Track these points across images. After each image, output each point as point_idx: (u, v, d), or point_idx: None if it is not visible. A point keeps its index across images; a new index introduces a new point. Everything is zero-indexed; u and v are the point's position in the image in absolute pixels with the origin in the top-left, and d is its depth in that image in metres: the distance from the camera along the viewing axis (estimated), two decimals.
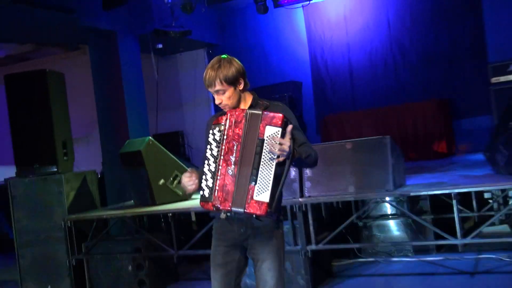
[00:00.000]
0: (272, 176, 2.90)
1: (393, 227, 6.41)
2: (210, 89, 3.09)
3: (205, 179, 3.08)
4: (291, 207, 5.56)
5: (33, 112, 6.78)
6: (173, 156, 6.79)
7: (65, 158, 6.94)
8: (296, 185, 5.62)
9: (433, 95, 9.13)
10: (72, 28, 8.01)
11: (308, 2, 9.05)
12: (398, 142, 6.57)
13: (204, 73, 3.09)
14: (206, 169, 3.09)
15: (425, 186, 5.40)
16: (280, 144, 2.82)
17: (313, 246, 5.51)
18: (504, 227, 6.35)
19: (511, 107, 5.33)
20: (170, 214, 6.09)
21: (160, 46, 9.56)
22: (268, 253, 3.10)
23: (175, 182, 6.62)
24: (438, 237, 5.36)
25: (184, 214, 6.26)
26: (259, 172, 2.91)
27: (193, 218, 7.83)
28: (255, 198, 2.89)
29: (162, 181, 6.50)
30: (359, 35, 9.93)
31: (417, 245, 6.21)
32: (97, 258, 6.45)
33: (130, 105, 8.45)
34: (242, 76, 3.11)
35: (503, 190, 6.16)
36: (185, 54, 11.20)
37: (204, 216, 6.72)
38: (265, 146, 2.91)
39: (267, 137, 2.90)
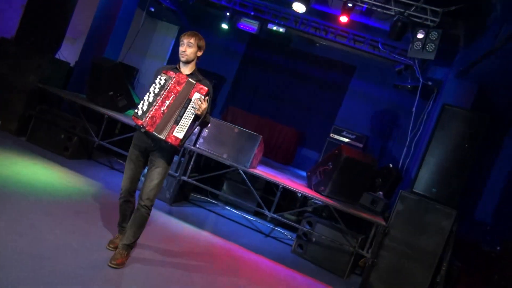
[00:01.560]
0: (189, 123, 3.11)
1: (238, 189, 6.55)
2: (186, 39, 3.21)
3: (142, 104, 3.15)
4: (185, 148, 5.49)
5: (48, 2, 6.12)
6: (127, 82, 6.45)
7: (54, 45, 6.34)
8: (194, 137, 5.57)
9: (294, 125, 9.37)
10: None
11: (255, 32, 8.92)
12: (265, 143, 6.72)
13: (189, 32, 3.25)
14: (145, 98, 3.17)
15: (266, 174, 5.55)
16: (200, 106, 3.06)
17: (185, 178, 5.48)
18: (296, 218, 6.68)
19: (333, 154, 5.60)
20: (106, 116, 5.77)
21: (152, 9, 8.99)
22: (162, 163, 3.25)
23: (119, 98, 6.28)
24: (259, 206, 5.53)
25: (113, 120, 5.93)
26: (182, 118, 3.09)
27: (118, 126, 7.49)
28: (174, 134, 3.07)
29: (111, 93, 6.14)
30: (270, 73, 10.00)
31: (244, 205, 6.39)
32: (43, 119, 5.95)
33: (114, 33, 7.87)
34: (203, 49, 3.29)
35: (306, 197, 6.50)
36: (164, 23, 10.63)
37: (125, 129, 6.45)
38: (191, 104, 3.08)
39: (194, 99, 3.08)
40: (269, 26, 8.66)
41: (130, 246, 3.33)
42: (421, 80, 7.16)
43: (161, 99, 3.11)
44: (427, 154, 5.10)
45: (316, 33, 8.21)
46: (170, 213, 5.18)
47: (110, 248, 3.44)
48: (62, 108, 6.52)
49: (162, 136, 3.06)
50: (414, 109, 7.21)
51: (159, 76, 3.16)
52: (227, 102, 10.04)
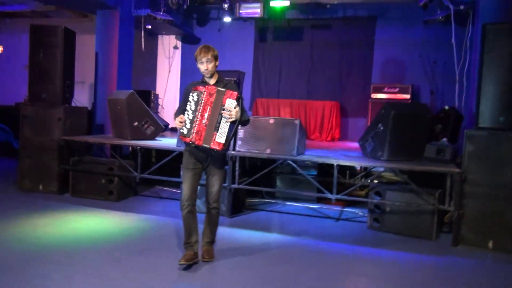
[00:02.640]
0: (227, 128, 3.52)
1: (292, 181, 6.60)
2: (203, 57, 3.59)
3: (185, 124, 3.59)
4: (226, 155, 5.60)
5: (48, 56, 6.43)
6: (147, 107, 6.66)
7: (67, 95, 6.65)
8: (231, 142, 5.66)
9: (330, 98, 9.29)
10: (87, 0, 7.58)
11: (259, 15, 8.94)
12: (305, 125, 6.74)
13: (200, 48, 3.63)
14: (186, 117, 3.59)
15: (317, 157, 5.57)
16: (233, 111, 3.48)
17: (235, 185, 5.60)
18: (362, 193, 6.65)
19: (380, 115, 5.52)
20: (139, 148, 5.98)
21: (149, 26, 9.19)
22: (217, 171, 3.81)
23: (145, 126, 6.51)
24: (319, 192, 5.55)
25: (147, 149, 6.16)
26: (220, 125, 3.51)
27: (153, 154, 7.75)
28: (216, 140, 3.51)
29: (135, 123, 6.37)
30: (288, 51, 9.96)
31: (304, 196, 6.43)
32: (80, 170, 6.27)
33: (120, 64, 8.16)
34: (218, 58, 3.69)
35: (365, 168, 6.47)
36: (165, 36, 10.85)
37: (160, 154, 6.66)
38: (225, 111, 3.49)
39: (226, 105, 3.48)
40: (272, 4, 8.64)
41: (212, 243, 4.03)
42: (451, 7, 6.92)
43: (200, 113, 3.54)
44: (482, 83, 4.91)
45: None
46: (231, 225, 5.31)
47: (182, 263, 3.72)
48: (94, 154, 6.83)
49: (207, 145, 3.53)
50: (453, 40, 6.99)
51: (191, 94, 3.60)
52: (253, 95, 10.10)
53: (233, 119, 3.50)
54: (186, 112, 3.59)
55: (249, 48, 10.22)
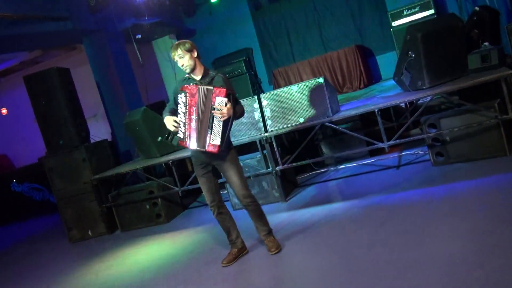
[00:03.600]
0: (221, 128, 3.54)
1: (338, 143, 6.54)
2: (175, 55, 3.63)
3: (180, 128, 3.67)
4: (260, 141, 5.59)
5: (50, 101, 6.62)
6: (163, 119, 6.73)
7: (82, 133, 6.83)
8: (261, 124, 5.65)
9: (349, 43, 9.05)
10: (69, 32, 7.71)
11: None
12: (331, 82, 6.59)
13: (172, 47, 3.67)
14: (179, 120, 3.66)
15: (355, 109, 5.46)
16: (225, 109, 3.47)
17: (280, 167, 5.60)
18: (416, 130, 6.49)
19: (407, 41, 5.33)
20: (171, 161, 6.07)
21: (139, 36, 9.26)
22: (228, 166, 3.80)
23: (169, 137, 6.58)
24: (369, 144, 5.45)
25: (180, 160, 6.26)
26: (213, 126, 3.54)
27: (187, 163, 7.86)
28: (212, 142, 3.56)
29: (159, 138, 6.46)
30: (289, 9, 9.75)
31: (355, 154, 6.34)
32: (121, 203, 6.46)
33: (124, 85, 8.30)
34: (194, 48, 3.66)
35: (411, 103, 6.29)
36: (159, 40, 10.88)
37: None
38: (216, 110, 3.50)
39: (217, 104, 3.48)
40: None
41: (270, 233, 4.03)
42: None
43: (187, 117, 3.61)
44: None
45: None
46: (290, 208, 5.33)
47: (225, 264, 3.99)
48: (130, 182, 7.00)
49: (203, 149, 3.60)
50: None
51: (178, 94, 3.65)
52: (268, 68, 10.00)
53: (225, 118, 3.52)
54: (178, 115, 3.66)
55: (247, 21, 10.10)
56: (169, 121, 3.70)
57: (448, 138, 5.09)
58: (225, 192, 6.02)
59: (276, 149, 5.56)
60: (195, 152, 3.78)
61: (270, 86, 9.64)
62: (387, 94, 6.14)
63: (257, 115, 5.65)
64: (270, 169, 5.59)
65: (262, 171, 5.65)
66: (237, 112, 3.70)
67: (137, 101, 8.46)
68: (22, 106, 11.42)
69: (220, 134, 3.54)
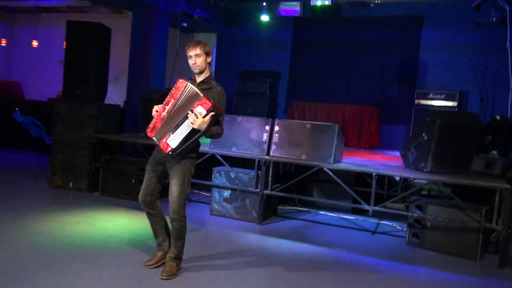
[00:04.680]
0: (185, 134, 3.36)
1: (327, 189, 6.58)
2: (192, 52, 3.54)
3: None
4: (259, 160, 5.65)
5: (83, 53, 6.67)
6: None
7: (100, 92, 6.89)
8: (266, 146, 5.71)
9: (370, 103, 9.19)
10: None
11: (298, 14, 9.00)
12: (343, 131, 6.67)
13: (191, 43, 3.58)
14: (157, 107, 3.53)
15: (354, 166, 5.54)
16: (199, 121, 3.26)
17: (268, 191, 5.64)
18: (401, 206, 6.56)
19: (425, 123, 5.43)
20: None
21: (185, 24, 9.38)
22: (176, 174, 3.55)
23: None
24: (355, 202, 5.51)
25: None
26: (179, 128, 3.38)
27: None
28: (167, 141, 3.39)
29: None
30: (327, 53, 9.91)
31: (339, 205, 6.39)
32: (110, 169, 6.47)
33: (154, 62, 8.37)
34: (210, 54, 3.61)
35: (405, 179, 6.37)
36: (201, 34, 11.02)
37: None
38: (191, 116, 3.29)
39: (195, 111, 3.28)
40: (312, 2, 8.65)
41: (177, 258, 3.73)
42: (507, 8, 6.73)
43: (162, 105, 3.47)
44: None
45: None
46: (262, 232, 5.36)
47: (146, 265, 3.84)
48: (125, 153, 7.03)
49: (157, 142, 3.46)
50: (508, 44, 6.79)
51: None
52: (289, 98, 10.09)
53: (195, 127, 3.29)
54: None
55: (286, 49, 10.24)
56: (154, 108, 3.54)
57: (429, 224, 5.15)
58: (209, 195, 6.05)
59: (270, 174, 5.61)
60: (156, 147, 3.61)
61: (284, 115, 9.72)
62: (389, 163, 6.22)
63: (266, 136, 5.72)
64: (259, 190, 5.63)
65: (251, 189, 5.69)
66: (212, 131, 3.44)
67: (160, 82, 8.54)
68: (53, 45, 11.52)
69: (181, 139, 3.34)
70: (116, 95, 9.83)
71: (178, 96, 3.38)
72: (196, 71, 3.58)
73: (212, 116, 3.30)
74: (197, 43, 3.55)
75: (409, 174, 5.24)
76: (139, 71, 8.42)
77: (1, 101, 10.57)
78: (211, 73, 3.68)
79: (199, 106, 3.27)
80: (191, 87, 3.36)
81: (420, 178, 5.09)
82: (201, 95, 3.30)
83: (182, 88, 3.38)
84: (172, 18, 8.92)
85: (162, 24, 8.54)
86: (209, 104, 3.27)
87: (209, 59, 3.59)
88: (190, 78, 3.68)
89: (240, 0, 9.01)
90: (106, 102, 7.10)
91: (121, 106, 8.07)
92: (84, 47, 6.67)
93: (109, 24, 7.16)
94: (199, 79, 3.62)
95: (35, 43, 11.21)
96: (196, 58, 3.52)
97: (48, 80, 11.41)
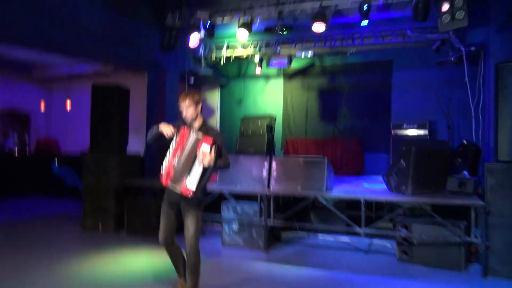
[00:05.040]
0: (199, 174, 3.20)
1: (324, 214, 6.35)
2: (181, 103, 3.39)
3: (163, 163, 3.31)
4: (261, 195, 5.46)
5: (107, 111, 6.62)
6: None
7: (122, 144, 6.79)
8: (265, 181, 5.54)
9: (354, 135, 9.04)
10: (139, 60, 7.85)
11: (286, 66, 9.02)
12: (332, 162, 6.51)
13: (181, 95, 3.40)
14: (167, 155, 3.31)
15: (344, 193, 5.35)
16: (208, 157, 3.14)
17: (271, 221, 5.43)
18: (390, 225, 6.30)
19: (402, 151, 5.28)
20: None
21: (192, 81, 9.38)
22: (191, 213, 3.36)
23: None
24: (348, 225, 5.29)
25: None
26: (192, 170, 3.21)
27: None
28: (187, 186, 3.20)
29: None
30: (313, 95, 9.86)
31: (335, 229, 6.14)
32: (134, 211, 6.28)
33: (167, 115, 8.31)
34: (200, 101, 3.42)
35: (391, 202, 6.14)
36: (206, 87, 10.98)
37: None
38: (199, 156, 3.17)
39: (201, 151, 3.17)
40: (298, 55, 8.66)
41: None
42: (463, 49, 6.68)
43: (171, 153, 3.27)
44: (499, 118, 4.63)
45: (343, 44, 8.03)
46: (268, 259, 5.10)
47: None
48: (146, 195, 6.85)
49: (177, 190, 3.25)
50: (467, 79, 6.69)
51: (176, 133, 3.32)
52: (284, 136, 9.97)
53: (205, 164, 3.17)
54: (168, 151, 3.30)
55: (278, 94, 10.20)
56: (165, 126, 3.33)
57: (415, 241, 4.90)
58: (219, 228, 5.84)
59: (272, 206, 5.42)
60: (168, 189, 3.41)
61: (281, 151, 9.57)
62: (375, 187, 6.02)
63: (265, 172, 5.56)
64: (263, 221, 5.42)
65: (256, 221, 5.48)
66: (219, 164, 3.30)
67: None
68: (83, 105, 11.54)
69: (197, 180, 3.19)
70: (136, 144, 9.75)
71: (184, 142, 3.25)
72: (188, 120, 3.41)
73: (216, 150, 3.20)
74: (185, 96, 3.40)
75: (393, 198, 5.04)
76: (155, 121, 8.33)
77: (42, 156, 10.54)
78: (203, 117, 3.50)
79: (203, 145, 3.18)
80: (193, 132, 3.27)
81: (403, 201, 4.88)
82: (201, 135, 3.25)
83: (187, 135, 3.26)
84: (181, 76, 8.93)
85: (173, 81, 8.53)
86: (210, 139, 3.20)
87: (199, 107, 3.42)
88: (190, 124, 3.49)
89: (236, 58, 9.03)
90: (128, 152, 6.98)
91: (141, 155, 7.95)
92: (107, 106, 6.62)
93: (129, 82, 7.15)
94: (196, 125, 3.46)
95: (68, 105, 11.24)
96: (187, 109, 3.37)
97: (80, 136, 11.37)
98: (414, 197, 4.95)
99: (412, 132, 8.05)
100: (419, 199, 4.83)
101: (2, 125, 11.37)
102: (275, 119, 9.55)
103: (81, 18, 6.20)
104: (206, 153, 3.15)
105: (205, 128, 3.45)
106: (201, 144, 3.18)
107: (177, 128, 3.33)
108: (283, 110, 10.17)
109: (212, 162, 3.17)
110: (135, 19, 7.26)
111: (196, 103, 3.39)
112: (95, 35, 6.48)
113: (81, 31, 6.21)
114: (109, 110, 6.61)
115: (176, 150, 3.26)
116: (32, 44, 7.00)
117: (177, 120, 3.56)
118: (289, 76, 10.11)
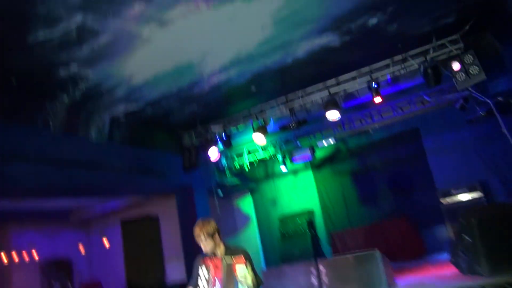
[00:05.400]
0: None
1: None
2: (197, 238, 3.21)
3: None
4: None
5: (139, 245, 6.40)
6: None
7: (159, 275, 6.40)
8: None
9: (404, 213, 8.29)
10: (165, 185, 7.83)
11: (311, 159, 8.79)
12: (383, 249, 5.75)
13: (195, 230, 3.24)
14: None
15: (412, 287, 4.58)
16: (248, 276, 3.03)
17: None
18: None
19: (462, 225, 4.62)
20: None
21: (221, 194, 9.21)
22: None
23: None
24: None
25: None
26: None
27: None
28: None
29: None
30: (346, 180, 9.44)
31: None
32: None
33: None
34: (215, 231, 3.24)
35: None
36: (236, 195, 10.77)
37: None
38: (239, 279, 3.05)
39: (238, 273, 3.06)
40: (319, 145, 8.46)
41: None
42: (489, 101, 6.30)
43: (211, 285, 3.10)
44: None
45: (363, 124, 7.82)
46: None
47: None
48: None
49: None
50: (504, 129, 6.17)
51: (199, 267, 3.20)
52: (327, 229, 9.30)
53: (248, 283, 3.04)
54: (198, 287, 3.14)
55: (311, 186, 9.80)
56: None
57: None
58: None
59: None
60: None
61: (329, 246, 8.81)
62: (443, 271, 5.19)
63: (315, 280, 4.92)
64: None
65: None
66: (256, 281, 3.15)
67: None
68: (119, 241, 11.42)
69: None
70: (176, 270, 9.25)
71: (220, 272, 3.12)
72: (209, 252, 3.22)
73: (251, 265, 3.14)
74: (199, 229, 3.25)
75: (471, 283, 4.23)
76: (191, 241, 7.97)
77: None
78: (223, 241, 3.31)
79: (237, 266, 3.11)
80: (224, 258, 3.15)
81: (483, 284, 4.07)
82: (232, 261, 3.13)
83: (220, 264, 3.15)
84: (209, 191, 8.77)
85: (201, 199, 8.36)
86: (242, 259, 3.14)
87: (216, 237, 3.24)
88: (213, 253, 3.28)
89: (260, 160, 8.91)
90: (168, 280, 6.54)
91: (183, 282, 7.44)
92: (138, 240, 6.41)
93: (159, 205, 6.97)
94: (220, 250, 3.27)
95: (106, 243, 11.15)
96: (206, 244, 3.21)
97: (121, 273, 11.04)
98: (493, 277, 4.13)
99: (464, 197, 7.29)
100: (502, 279, 4.01)
101: (45, 276, 11.28)
102: (314, 213, 9.02)
103: (101, 160, 6.34)
104: (245, 274, 3.07)
105: (230, 251, 3.29)
106: (235, 267, 3.11)
107: (200, 262, 3.21)
108: (320, 202, 9.67)
109: (251, 280, 3.09)
110: (154, 147, 7.42)
111: (212, 235, 3.24)
112: (118, 171, 6.55)
113: (105, 170, 6.30)
114: (141, 243, 6.38)
115: (214, 281, 3.12)
116: (62, 193, 7.15)
117: (197, 258, 3.33)
118: (317, 166, 9.82)
